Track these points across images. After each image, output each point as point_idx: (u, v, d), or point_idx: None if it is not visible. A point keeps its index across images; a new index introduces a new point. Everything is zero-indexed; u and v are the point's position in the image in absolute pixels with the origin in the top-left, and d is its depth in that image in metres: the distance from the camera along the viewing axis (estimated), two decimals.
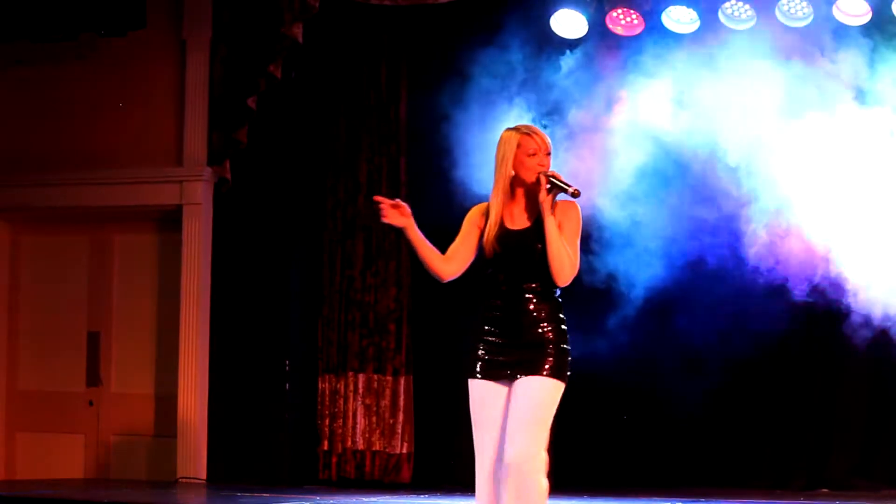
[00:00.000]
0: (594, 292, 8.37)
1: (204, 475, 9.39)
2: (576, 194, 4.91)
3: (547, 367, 4.88)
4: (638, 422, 9.04)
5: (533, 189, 4.99)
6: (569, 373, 4.95)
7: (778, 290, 8.44)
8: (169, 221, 9.74)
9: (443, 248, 5.08)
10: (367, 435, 9.46)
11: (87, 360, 10.09)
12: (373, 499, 8.20)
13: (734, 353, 8.72)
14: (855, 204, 8.20)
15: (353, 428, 9.47)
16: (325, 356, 9.60)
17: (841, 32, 8.30)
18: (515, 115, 8.42)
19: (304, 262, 9.67)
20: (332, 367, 9.57)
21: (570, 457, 8.20)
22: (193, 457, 9.39)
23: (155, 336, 9.93)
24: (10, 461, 10.22)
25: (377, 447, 9.43)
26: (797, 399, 8.90)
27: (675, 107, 8.42)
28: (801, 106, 8.21)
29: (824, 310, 8.47)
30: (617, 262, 8.45)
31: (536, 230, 4.96)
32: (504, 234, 4.98)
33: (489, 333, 4.99)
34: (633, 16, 8.72)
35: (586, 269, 7.85)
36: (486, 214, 5.04)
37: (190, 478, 9.33)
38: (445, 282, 5.09)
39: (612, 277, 8.46)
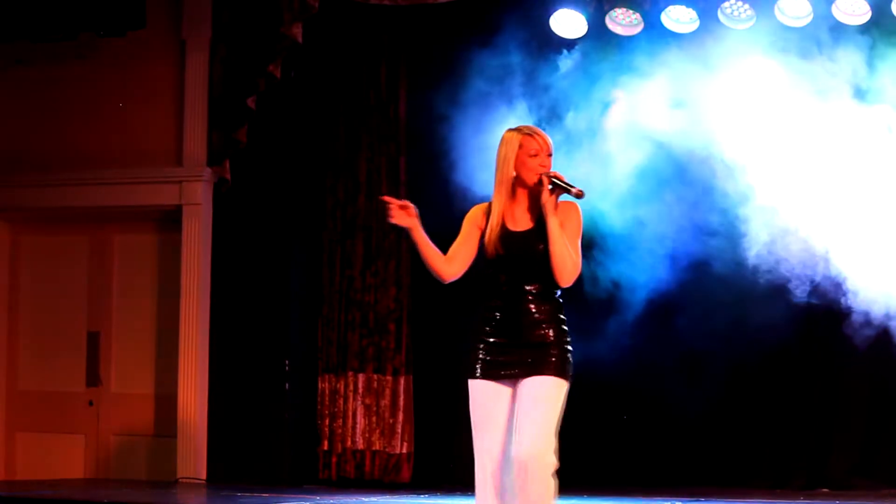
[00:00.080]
0: (594, 293, 8.37)
1: (204, 475, 9.39)
2: (579, 195, 4.91)
3: (551, 366, 4.89)
4: (638, 422, 9.04)
5: (534, 190, 4.99)
6: (571, 372, 4.95)
7: (778, 290, 8.43)
8: (169, 221, 9.74)
9: (442, 247, 5.08)
10: (366, 435, 9.46)
11: (87, 360, 10.09)
12: (373, 499, 8.20)
13: (734, 353, 8.72)
14: (855, 203, 8.19)
15: (353, 428, 9.47)
16: (325, 356, 9.60)
17: (840, 31, 8.30)
18: (515, 115, 8.42)
19: (304, 261, 9.67)
20: (332, 366, 9.57)
21: (570, 457, 8.18)
22: (193, 457, 9.39)
23: (155, 336, 9.93)
24: (10, 461, 10.22)
25: (377, 447, 9.43)
26: (797, 399, 8.90)
27: (675, 107, 8.41)
28: (801, 105, 8.21)
29: (824, 309, 8.47)
30: (616, 262, 8.44)
31: (539, 231, 4.96)
32: (506, 235, 4.98)
33: (489, 334, 4.99)
34: (633, 15, 8.72)
35: (585, 269, 7.84)
36: (487, 215, 5.04)
37: (190, 478, 9.33)
38: (447, 283, 5.10)
39: (611, 278, 8.45)
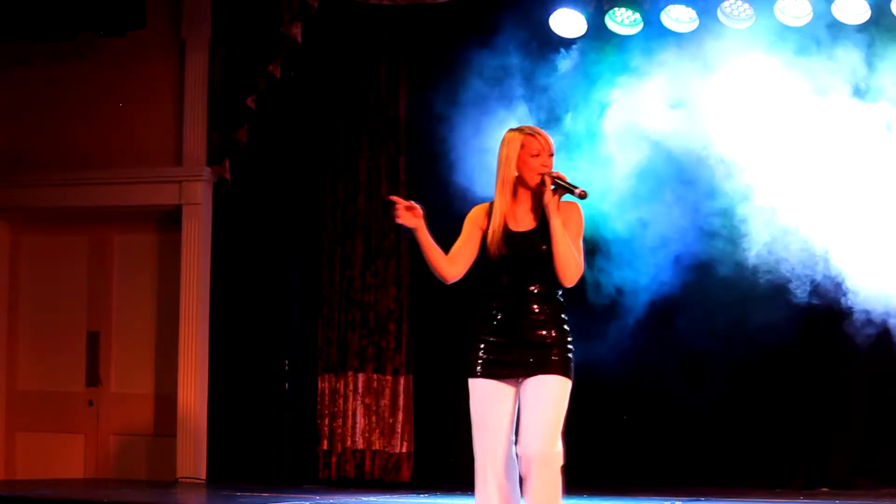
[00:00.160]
0: (595, 295, 8.37)
1: (204, 475, 9.39)
2: (582, 196, 4.92)
3: (554, 365, 4.90)
4: (639, 422, 9.04)
5: (536, 190, 4.99)
6: (573, 372, 4.96)
7: (778, 290, 8.43)
8: (168, 221, 9.74)
9: (442, 246, 5.07)
10: (366, 434, 9.46)
11: (87, 360, 10.09)
12: (372, 498, 8.20)
13: (734, 353, 8.72)
14: (855, 202, 8.18)
15: (353, 427, 9.47)
16: (325, 356, 9.60)
17: (839, 30, 8.30)
18: (515, 115, 8.42)
19: (304, 261, 9.67)
20: (332, 366, 9.57)
21: (571, 456, 8.18)
22: (193, 456, 9.39)
23: (154, 336, 9.93)
24: (10, 461, 10.22)
25: (377, 447, 9.43)
26: (797, 398, 8.89)
27: (675, 107, 8.41)
28: (800, 105, 8.20)
29: (824, 309, 8.46)
30: (617, 264, 8.44)
31: (541, 231, 4.97)
32: (509, 235, 4.99)
33: (491, 333, 4.99)
34: (633, 15, 8.72)
35: (586, 273, 7.84)
36: (489, 215, 5.04)
37: (190, 477, 9.33)
38: (449, 283, 5.10)
39: (612, 279, 8.45)
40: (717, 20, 8.51)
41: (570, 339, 4.99)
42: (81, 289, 10.15)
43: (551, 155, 5.02)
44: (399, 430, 9.42)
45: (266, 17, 9.15)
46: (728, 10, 8.51)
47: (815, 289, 8.38)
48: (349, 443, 9.47)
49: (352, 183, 9.61)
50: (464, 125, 8.59)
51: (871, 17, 8.25)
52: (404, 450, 9.42)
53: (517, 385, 4.94)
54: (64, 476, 9.90)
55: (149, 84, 9.74)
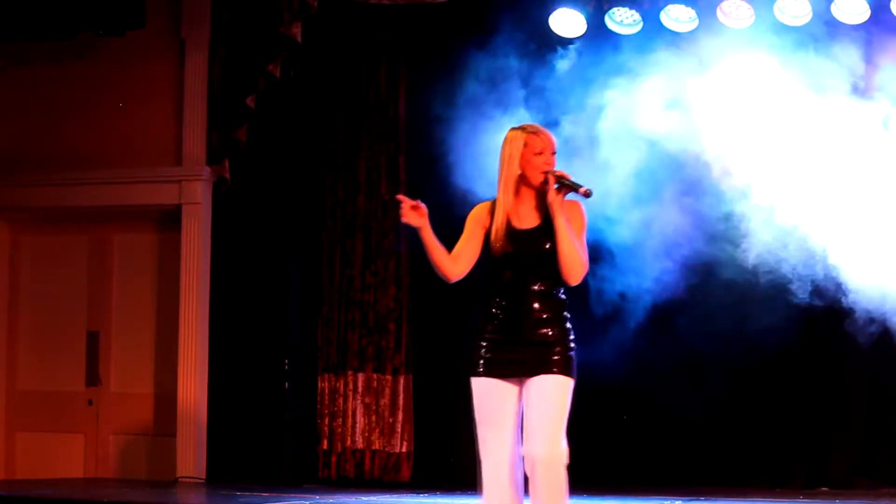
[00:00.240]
0: (594, 295, 8.36)
1: (203, 474, 9.39)
2: (587, 194, 4.93)
3: (556, 365, 4.91)
4: (639, 422, 9.03)
5: (540, 188, 5.00)
6: (576, 371, 4.96)
7: (778, 290, 8.42)
8: (168, 221, 9.74)
9: (443, 244, 5.07)
10: (366, 434, 9.46)
11: (87, 360, 10.09)
12: (372, 498, 8.20)
13: (735, 353, 8.72)
14: (855, 201, 8.18)
15: (353, 427, 9.48)
16: (325, 355, 9.60)
17: (839, 29, 8.30)
18: (515, 114, 8.41)
19: (304, 261, 9.67)
20: (332, 366, 9.57)
21: (572, 456, 8.18)
22: (193, 456, 9.38)
23: (154, 335, 9.93)
24: (10, 461, 10.22)
25: (377, 446, 9.43)
26: (797, 398, 8.89)
27: (674, 106, 8.40)
28: (801, 104, 8.20)
29: (824, 309, 8.46)
30: (618, 266, 8.44)
31: (545, 229, 4.97)
32: (512, 233, 4.99)
33: (493, 332, 5.00)
34: (632, 14, 8.72)
35: (588, 280, 7.84)
36: (492, 213, 5.04)
37: (190, 477, 9.33)
38: (452, 282, 5.10)
39: (613, 283, 8.45)
40: (717, 20, 8.51)
41: (572, 337, 4.99)
42: (81, 288, 10.15)
43: (554, 153, 5.03)
44: (399, 430, 9.42)
45: (266, 17, 9.15)
46: (728, 9, 8.51)
47: (816, 288, 8.37)
48: (349, 442, 9.47)
49: (351, 182, 9.61)
50: (464, 125, 8.59)
51: (871, 16, 8.25)
52: (404, 449, 9.42)
53: (520, 384, 4.95)
54: (64, 476, 9.90)
55: (148, 84, 9.74)
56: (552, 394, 4.88)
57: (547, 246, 4.95)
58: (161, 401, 9.80)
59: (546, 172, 4.97)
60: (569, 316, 5.02)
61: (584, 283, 5.10)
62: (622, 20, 8.76)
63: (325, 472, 9.48)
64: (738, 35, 8.43)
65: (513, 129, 5.10)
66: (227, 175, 9.52)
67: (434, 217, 5.02)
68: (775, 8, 8.38)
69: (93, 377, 10.07)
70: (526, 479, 4.91)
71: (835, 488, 8.67)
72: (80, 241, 10.18)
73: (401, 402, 9.45)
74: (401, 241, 9.37)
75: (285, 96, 9.52)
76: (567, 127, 8.49)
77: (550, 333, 4.94)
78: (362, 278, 9.56)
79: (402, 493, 8.78)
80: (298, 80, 9.54)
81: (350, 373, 9.52)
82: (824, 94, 8.16)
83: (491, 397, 4.95)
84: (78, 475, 9.95)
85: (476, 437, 4.99)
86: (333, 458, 9.49)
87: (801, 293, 8.37)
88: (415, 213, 4.98)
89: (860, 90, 8.19)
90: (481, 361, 4.98)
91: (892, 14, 8.20)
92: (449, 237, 5.10)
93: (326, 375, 9.57)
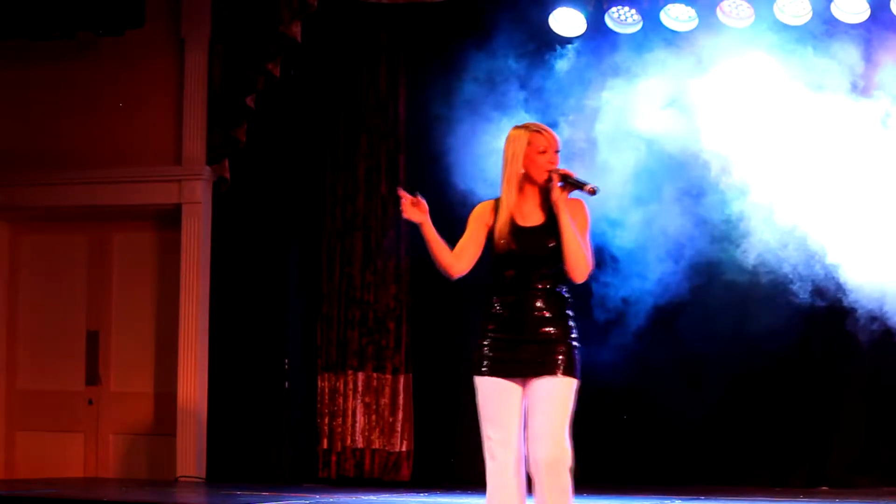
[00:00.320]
0: (594, 295, 8.37)
1: (204, 474, 9.39)
2: (592, 192, 4.93)
3: (560, 366, 4.90)
4: (639, 421, 9.04)
5: (544, 187, 5.00)
6: (580, 369, 4.96)
7: (779, 290, 8.42)
8: (168, 220, 9.73)
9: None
10: (366, 433, 9.46)
11: (87, 359, 10.09)
12: (372, 497, 8.19)
13: (735, 353, 8.73)
14: (856, 200, 8.18)
15: (353, 426, 9.48)
16: (325, 354, 9.60)
17: (839, 28, 8.29)
18: (515, 114, 8.41)
19: (303, 260, 9.67)
20: (332, 365, 9.57)
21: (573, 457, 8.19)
22: (193, 455, 9.38)
23: (154, 335, 9.93)
24: (10, 461, 10.22)
25: (377, 445, 9.43)
26: (798, 397, 8.89)
27: (673, 106, 8.40)
28: (801, 103, 8.20)
29: (824, 307, 8.46)
30: (619, 268, 8.45)
31: (549, 227, 4.97)
32: (517, 230, 4.99)
33: (496, 330, 4.99)
34: (632, 13, 8.72)
35: (590, 283, 7.85)
36: (495, 211, 5.04)
37: (190, 476, 9.33)
38: (455, 279, 5.09)
39: (615, 286, 8.46)
40: (717, 19, 8.51)
41: (575, 335, 4.98)
42: (81, 288, 10.15)
43: (557, 152, 5.03)
44: (399, 429, 9.42)
45: (266, 16, 9.15)
46: (727, 8, 8.51)
47: (816, 287, 8.37)
48: (349, 442, 9.47)
49: (351, 181, 9.61)
50: (464, 123, 8.59)
51: (871, 15, 8.25)
52: (404, 448, 9.42)
53: (523, 383, 4.94)
54: (64, 475, 9.89)
55: (148, 83, 9.74)
56: (556, 395, 4.87)
57: (552, 243, 4.95)
58: (161, 400, 9.80)
59: (551, 171, 4.97)
60: (572, 314, 5.01)
61: (585, 283, 5.09)
62: (622, 19, 8.75)
63: (325, 472, 9.49)
64: (738, 34, 8.43)
65: (516, 127, 5.10)
66: (227, 174, 9.51)
67: (434, 216, 5.02)
68: (775, 7, 8.39)
69: (93, 377, 10.07)
70: (529, 479, 4.91)
71: (835, 487, 8.67)
72: (80, 241, 10.18)
73: (401, 401, 9.45)
74: (400, 240, 9.38)
75: (285, 96, 9.52)
76: (567, 126, 8.48)
77: (554, 332, 4.93)
78: (362, 277, 9.56)
79: (402, 492, 8.78)
80: (298, 79, 9.54)
81: (350, 372, 9.52)
82: (824, 94, 8.15)
83: (495, 397, 4.94)
84: (78, 475, 9.95)
85: (481, 435, 4.99)
86: (333, 458, 9.49)
87: (802, 293, 8.37)
88: (415, 209, 4.98)
89: (860, 89, 8.19)
90: (485, 360, 4.97)
91: (892, 13, 8.20)
92: (449, 236, 5.09)
93: (326, 375, 9.58)
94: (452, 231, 5.13)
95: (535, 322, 4.94)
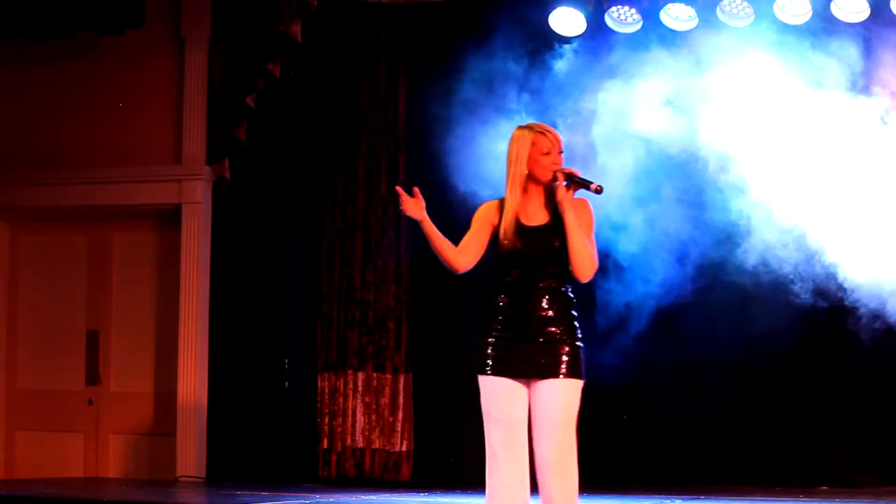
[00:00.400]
0: (594, 295, 8.36)
1: (204, 474, 9.39)
2: (598, 191, 4.93)
3: (564, 367, 4.91)
4: (639, 421, 9.03)
5: (548, 186, 5.00)
6: (585, 369, 4.96)
7: (780, 289, 8.42)
8: (168, 220, 9.73)
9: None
10: (366, 433, 9.46)
11: (87, 359, 10.09)
12: (372, 497, 8.19)
13: (736, 352, 8.72)
14: (856, 199, 8.18)
15: (353, 426, 9.48)
16: (325, 354, 9.60)
17: (839, 28, 8.29)
18: (515, 113, 8.41)
19: (303, 260, 9.67)
20: (332, 365, 9.57)
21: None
22: (193, 455, 9.38)
23: (154, 334, 9.93)
24: (10, 460, 10.22)
25: (377, 445, 9.43)
26: (798, 396, 8.89)
27: (672, 106, 8.40)
28: (801, 103, 8.20)
29: (825, 307, 8.46)
30: (620, 269, 8.44)
31: (554, 226, 4.98)
32: (522, 230, 4.99)
33: (500, 329, 4.99)
34: (632, 13, 8.72)
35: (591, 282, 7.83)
36: (500, 211, 5.04)
37: (190, 476, 9.33)
38: (459, 273, 5.09)
39: (611, 281, 8.45)
40: (717, 18, 8.51)
41: (579, 334, 4.99)
42: (81, 288, 10.15)
43: (561, 152, 5.04)
44: (399, 429, 9.42)
45: (265, 16, 9.15)
46: (727, 8, 8.51)
47: (816, 287, 8.37)
48: (349, 441, 9.47)
49: (351, 181, 9.61)
50: (464, 122, 8.59)
51: (870, 15, 8.25)
52: (404, 448, 9.42)
53: (528, 384, 4.94)
54: (64, 475, 9.90)
55: (148, 83, 9.74)
56: (561, 397, 4.88)
57: (557, 243, 4.95)
58: (161, 400, 9.80)
59: (555, 171, 4.97)
60: (576, 314, 5.01)
61: (587, 285, 5.09)
62: (622, 19, 8.76)
63: (325, 472, 9.49)
64: (737, 34, 8.43)
65: (520, 127, 5.10)
66: (227, 174, 9.51)
67: (435, 216, 5.02)
68: (775, 6, 8.39)
69: (93, 376, 10.07)
70: (533, 479, 4.91)
71: (835, 486, 8.67)
72: (80, 241, 10.18)
73: (401, 401, 9.45)
74: (400, 240, 9.38)
75: (285, 95, 9.52)
76: (567, 126, 8.48)
77: (558, 331, 4.94)
78: (362, 277, 9.55)
79: (402, 492, 8.78)
80: (298, 78, 9.54)
81: (350, 372, 9.52)
82: (824, 92, 8.15)
83: (499, 396, 4.94)
84: (78, 475, 9.95)
85: (483, 434, 4.99)
86: (333, 458, 9.49)
87: (803, 292, 8.36)
88: (414, 205, 4.97)
89: (859, 87, 8.19)
90: (489, 360, 4.97)
91: (892, 12, 8.20)
92: (449, 236, 5.09)
93: (326, 374, 9.58)
94: (452, 231, 5.13)
95: (539, 321, 4.94)
